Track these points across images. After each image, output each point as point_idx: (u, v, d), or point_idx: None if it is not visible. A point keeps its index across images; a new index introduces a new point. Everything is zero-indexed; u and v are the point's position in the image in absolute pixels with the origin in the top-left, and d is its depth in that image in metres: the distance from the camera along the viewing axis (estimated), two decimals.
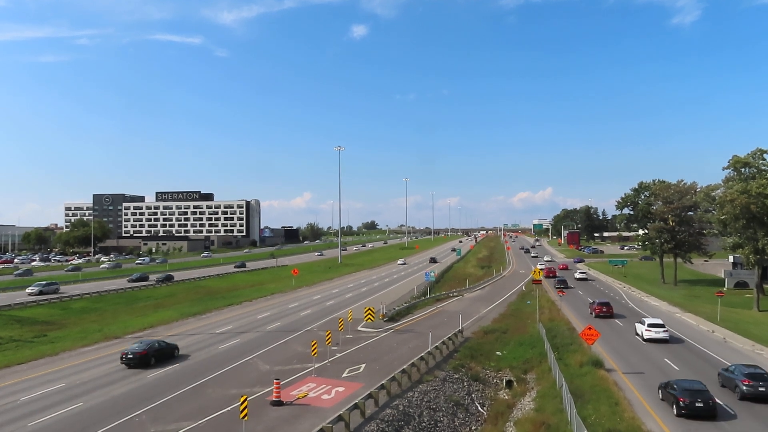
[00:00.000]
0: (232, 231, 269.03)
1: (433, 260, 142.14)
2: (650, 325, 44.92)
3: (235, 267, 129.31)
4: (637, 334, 46.39)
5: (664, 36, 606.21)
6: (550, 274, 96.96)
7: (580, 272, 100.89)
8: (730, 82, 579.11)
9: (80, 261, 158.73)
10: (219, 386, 32.06)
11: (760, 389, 28.78)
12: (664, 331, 44.41)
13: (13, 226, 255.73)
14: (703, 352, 41.21)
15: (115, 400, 29.60)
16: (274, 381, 29.15)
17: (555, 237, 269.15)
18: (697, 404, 26.48)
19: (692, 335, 47.75)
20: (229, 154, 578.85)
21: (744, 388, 29.21)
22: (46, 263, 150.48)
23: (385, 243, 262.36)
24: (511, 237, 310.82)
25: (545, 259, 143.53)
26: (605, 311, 55.63)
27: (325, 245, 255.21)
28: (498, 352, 43.53)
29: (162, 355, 38.59)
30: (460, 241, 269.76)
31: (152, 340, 40.76)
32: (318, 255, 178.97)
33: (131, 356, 36.72)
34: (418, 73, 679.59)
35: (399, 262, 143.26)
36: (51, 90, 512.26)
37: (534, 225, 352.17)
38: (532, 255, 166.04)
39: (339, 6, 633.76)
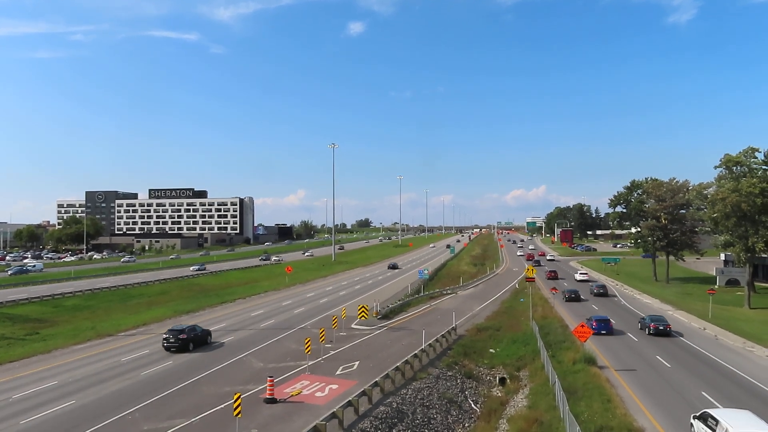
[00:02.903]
0: (225, 228, 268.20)
1: (449, 246, 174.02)
2: (580, 273, 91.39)
3: None
4: (575, 279, 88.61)
5: (659, 34, 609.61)
6: (530, 258, 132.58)
7: (550, 255, 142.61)
8: (725, 81, 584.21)
9: (73, 258, 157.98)
10: (212, 384, 32.00)
11: (600, 291, 72.02)
12: (586, 275, 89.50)
13: (5, 223, 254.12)
14: (693, 348, 41.57)
15: (108, 398, 29.52)
16: (268, 379, 29.17)
17: (548, 235, 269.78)
18: (572, 295, 66.91)
19: (685, 332, 48.11)
20: (223, 151, 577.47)
21: (595, 290, 72.32)
22: (38, 260, 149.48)
23: (360, 243, 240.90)
24: (504, 234, 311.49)
25: (529, 247, 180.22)
26: (553, 275, 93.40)
27: (318, 242, 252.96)
28: (491, 350, 43.66)
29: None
30: (462, 235, 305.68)
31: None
32: (308, 255, 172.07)
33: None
34: (415, 70, 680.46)
35: (430, 246, 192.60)
36: (45, 86, 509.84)
37: (527, 223, 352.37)
38: (518, 246, 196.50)
39: (336, 3, 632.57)
